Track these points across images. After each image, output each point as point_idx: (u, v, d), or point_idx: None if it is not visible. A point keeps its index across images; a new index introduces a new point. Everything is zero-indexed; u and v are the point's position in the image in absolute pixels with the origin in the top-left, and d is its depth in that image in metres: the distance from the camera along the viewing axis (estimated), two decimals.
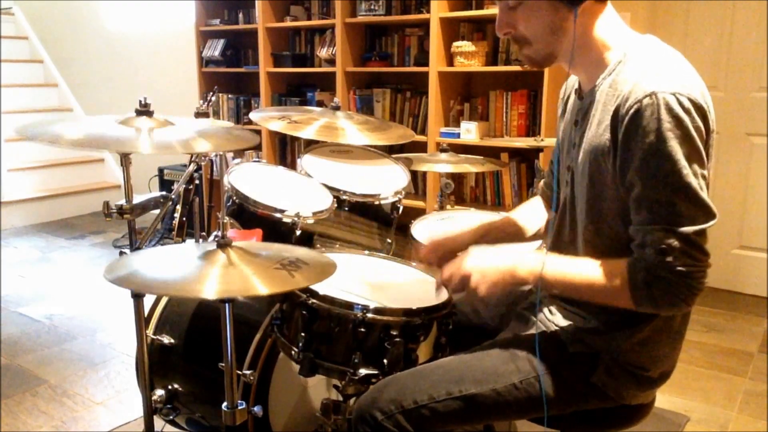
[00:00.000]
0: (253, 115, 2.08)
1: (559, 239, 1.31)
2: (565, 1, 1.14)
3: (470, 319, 1.51)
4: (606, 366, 1.20)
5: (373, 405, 1.21)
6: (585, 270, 1.14)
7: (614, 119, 1.10)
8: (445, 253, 1.44)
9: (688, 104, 1.04)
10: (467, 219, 2.05)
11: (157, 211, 1.64)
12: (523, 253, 1.22)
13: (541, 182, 1.55)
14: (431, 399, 1.19)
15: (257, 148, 4.29)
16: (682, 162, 1.04)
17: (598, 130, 1.14)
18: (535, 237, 1.52)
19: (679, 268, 1.05)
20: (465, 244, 1.45)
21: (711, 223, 1.06)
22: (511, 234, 1.52)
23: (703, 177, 1.06)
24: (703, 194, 1.06)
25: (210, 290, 1.09)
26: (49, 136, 1.39)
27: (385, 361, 1.28)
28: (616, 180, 1.12)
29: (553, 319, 1.30)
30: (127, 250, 1.55)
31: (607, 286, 1.12)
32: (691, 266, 1.05)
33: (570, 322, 1.26)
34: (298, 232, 1.70)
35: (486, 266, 1.20)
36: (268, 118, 2.04)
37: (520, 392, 1.20)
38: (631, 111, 1.06)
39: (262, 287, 1.10)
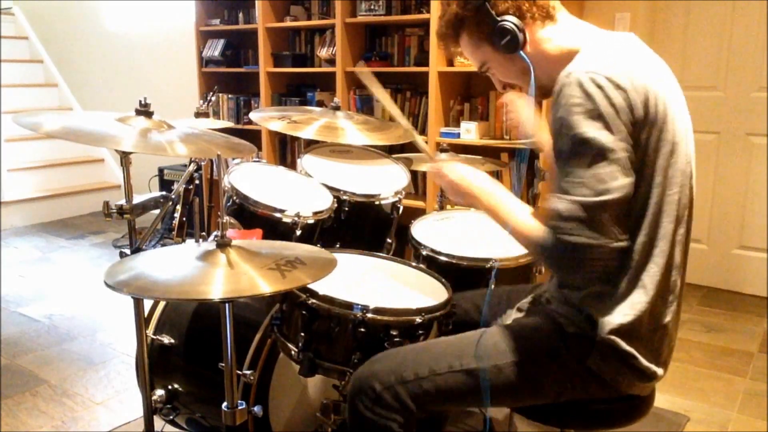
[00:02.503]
0: (253, 115, 2.08)
1: None
2: (505, 52, 1.21)
3: (470, 318, 1.51)
4: (600, 350, 1.19)
5: (372, 376, 1.20)
6: (520, 213, 1.19)
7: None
8: None
9: (603, 81, 1.06)
10: (467, 219, 2.05)
11: (157, 211, 1.64)
12: (490, 180, 1.30)
13: None
14: (432, 372, 1.19)
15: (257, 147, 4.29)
16: (582, 135, 1.05)
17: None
18: None
19: (560, 236, 1.06)
20: None
21: (602, 198, 1.05)
22: None
23: (613, 152, 1.05)
24: (602, 169, 1.05)
25: (211, 292, 1.09)
26: (31, 124, 1.40)
27: None
28: None
29: (549, 306, 1.30)
30: (127, 250, 1.55)
31: (525, 231, 1.16)
32: (570, 236, 1.05)
33: (565, 306, 1.25)
34: (298, 232, 1.71)
35: (459, 169, 1.31)
36: (268, 118, 2.05)
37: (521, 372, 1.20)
38: (553, 95, 1.12)
39: (265, 286, 1.10)
